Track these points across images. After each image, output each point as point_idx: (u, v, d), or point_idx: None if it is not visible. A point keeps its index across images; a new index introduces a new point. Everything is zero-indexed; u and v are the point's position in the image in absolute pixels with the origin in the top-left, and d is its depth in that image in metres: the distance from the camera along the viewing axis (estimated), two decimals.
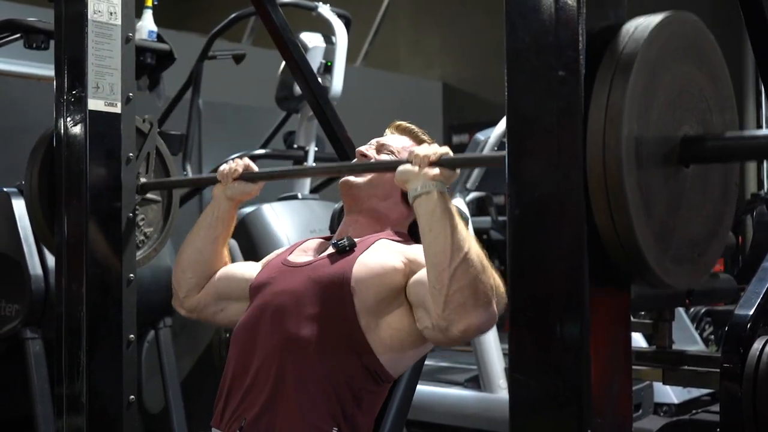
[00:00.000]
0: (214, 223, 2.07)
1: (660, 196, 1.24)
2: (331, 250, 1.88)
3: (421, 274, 1.71)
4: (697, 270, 1.33)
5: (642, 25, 1.23)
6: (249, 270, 2.04)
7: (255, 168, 2.06)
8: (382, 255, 1.81)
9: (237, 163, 2.05)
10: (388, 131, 2.06)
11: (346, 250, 1.84)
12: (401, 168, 1.68)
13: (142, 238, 2.34)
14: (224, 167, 2.06)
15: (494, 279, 1.62)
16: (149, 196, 2.34)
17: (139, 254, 2.30)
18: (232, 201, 2.06)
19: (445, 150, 1.67)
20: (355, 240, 1.87)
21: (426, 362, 4.62)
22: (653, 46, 1.22)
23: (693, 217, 1.31)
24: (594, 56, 1.23)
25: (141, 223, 2.33)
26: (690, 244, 1.31)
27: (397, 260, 1.79)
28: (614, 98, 1.19)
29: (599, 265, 1.23)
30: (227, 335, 2.25)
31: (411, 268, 1.78)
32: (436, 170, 1.64)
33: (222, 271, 2.09)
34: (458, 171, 1.68)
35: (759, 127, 8.22)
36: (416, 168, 1.65)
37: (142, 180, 2.27)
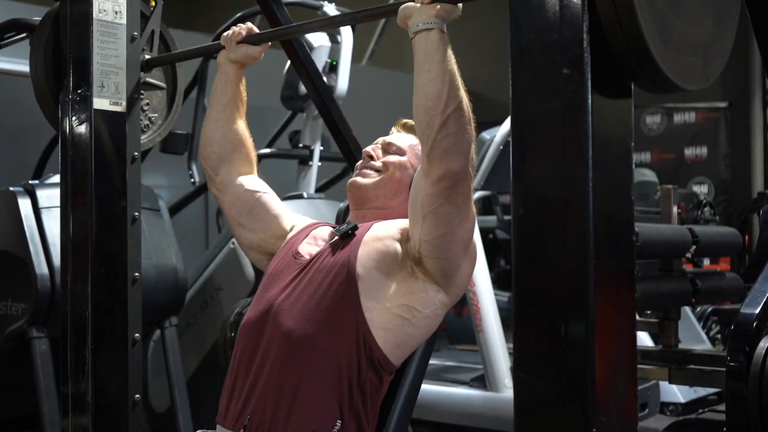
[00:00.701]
0: (224, 88, 2.11)
1: None
2: (335, 238, 1.89)
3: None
4: (700, 72, 1.37)
5: None
6: (283, 218, 2.08)
7: (257, 31, 2.09)
8: (380, 231, 1.84)
9: (240, 27, 2.08)
10: (394, 129, 2.07)
11: (348, 234, 1.86)
12: (403, 5, 1.69)
13: (146, 122, 2.36)
14: (227, 33, 2.09)
15: (474, 134, 1.67)
16: (154, 81, 2.36)
17: (143, 138, 2.32)
18: (236, 64, 2.10)
19: None
20: (358, 225, 1.88)
21: (432, 362, 4.61)
22: None
23: (694, 21, 1.34)
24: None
25: (146, 108, 2.35)
26: (692, 47, 1.34)
27: (395, 230, 1.83)
28: None
29: (603, 63, 1.24)
30: (232, 334, 2.25)
31: (408, 232, 1.80)
32: (437, 5, 1.64)
33: (264, 198, 2.09)
34: (460, 6, 1.67)
35: (766, 127, 8.19)
36: (418, 4, 1.66)
37: (146, 56, 2.28)
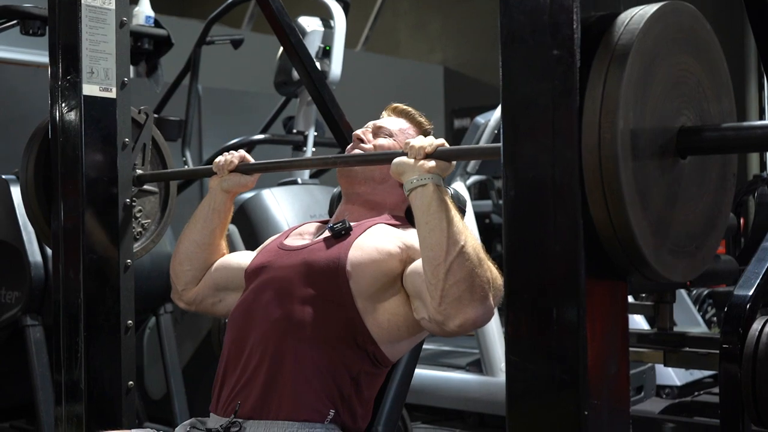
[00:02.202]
0: (211, 215, 2.07)
1: (656, 188, 1.22)
2: (327, 233, 1.87)
3: (418, 264, 1.70)
4: (694, 263, 1.32)
5: (637, 15, 1.21)
6: (245, 259, 2.03)
7: (251, 159, 2.06)
8: (378, 239, 1.80)
9: (233, 155, 2.05)
10: (384, 113, 2.05)
11: (342, 234, 1.83)
12: (396, 160, 1.68)
13: (139, 229, 2.34)
14: (220, 159, 2.05)
15: (491, 272, 1.61)
16: (146, 187, 2.34)
17: (136, 246, 2.30)
18: (228, 193, 2.07)
19: (441, 142, 1.66)
20: (352, 224, 1.86)
21: (428, 346, 4.62)
22: (649, 36, 1.20)
23: (690, 210, 1.29)
24: (589, 38, 1.22)
25: (138, 215, 2.32)
26: (687, 237, 1.29)
27: (394, 245, 1.78)
28: (610, 89, 1.17)
29: (596, 259, 1.22)
30: (225, 321, 2.24)
31: (408, 254, 1.77)
32: (431, 163, 1.63)
33: (219, 262, 2.08)
34: (454, 163, 1.67)
35: (761, 114, 8.18)
36: (411, 160, 1.65)
37: (138, 172, 2.27)
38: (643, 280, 1.29)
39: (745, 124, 1.26)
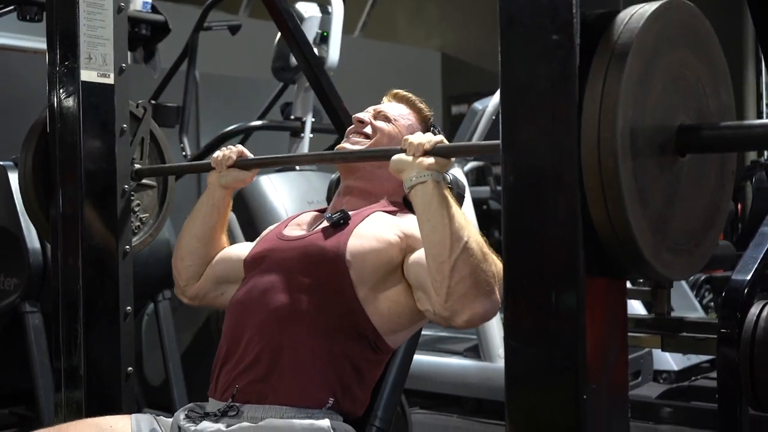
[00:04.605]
0: (210, 211, 2.08)
1: (656, 186, 1.22)
2: (325, 223, 1.86)
3: (419, 255, 1.70)
4: (693, 260, 1.32)
5: (637, 14, 1.21)
6: (244, 250, 2.03)
7: (249, 154, 2.06)
8: (377, 228, 1.80)
9: (231, 151, 2.05)
10: (385, 99, 2.05)
11: (340, 224, 1.83)
12: (395, 158, 1.67)
13: (138, 224, 2.34)
14: (218, 154, 2.05)
15: (495, 265, 1.61)
16: (145, 181, 2.34)
17: (135, 240, 2.30)
18: (226, 189, 2.07)
19: (440, 138, 1.66)
20: (350, 213, 1.86)
21: (425, 332, 4.62)
22: (648, 35, 1.20)
23: (689, 208, 1.29)
24: (590, 36, 1.21)
25: (137, 209, 2.33)
26: (686, 235, 1.29)
27: (393, 234, 1.78)
28: (609, 87, 1.16)
29: (595, 257, 1.22)
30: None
31: (408, 242, 1.77)
32: (430, 159, 1.63)
33: (219, 256, 2.09)
34: (453, 159, 1.67)
35: (759, 112, 8.17)
36: (410, 157, 1.64)
37: (137, 166, 2.27)
38: (641, 277, 1.29)
39: (745, 123, 1.25)
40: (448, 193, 1.63)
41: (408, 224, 1.80)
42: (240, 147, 2.06)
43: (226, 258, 2.08)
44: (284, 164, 2.25)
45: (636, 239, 1.18)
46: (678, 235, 1.27)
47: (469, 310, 1.58)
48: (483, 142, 1.47)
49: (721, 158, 1.36)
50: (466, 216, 1.64)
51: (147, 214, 2.38)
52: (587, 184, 1.19)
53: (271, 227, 2.07)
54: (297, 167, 4.05)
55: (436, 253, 1.59)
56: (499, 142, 1.27)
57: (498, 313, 4.10)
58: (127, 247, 2.19)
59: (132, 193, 2.25)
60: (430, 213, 1.60)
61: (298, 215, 2.03)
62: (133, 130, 2.27)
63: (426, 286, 1.65)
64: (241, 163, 2.04)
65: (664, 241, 1.24)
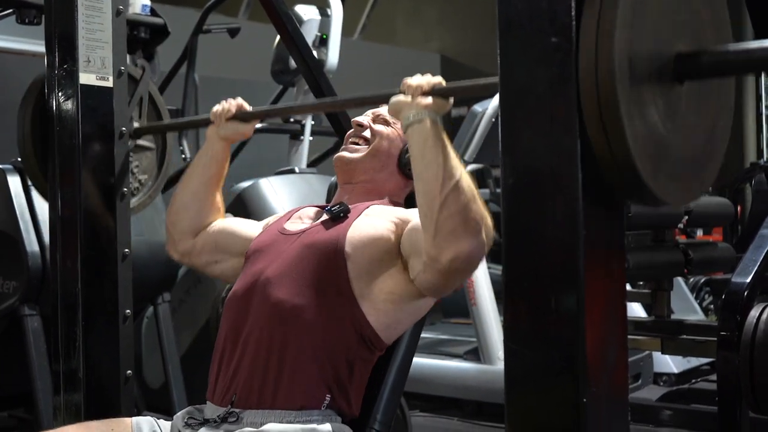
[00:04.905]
0: (208, 163, 2.08)
1: (654, 110, 1.23)
2: (325, 216, 1.87)
3: (416, 221, 1.71)
4: (692, 188, 1.33)
5: None
6: (251, 229, 2.04)
7: (248, 107, 2.06)
8: (375, 219, 1.81)
9: (230, 103, 2.06)
10: None
11: (340, 217, 1.84)
12: (394, 98, 1.68)
13: (136, 185, 2.35)
14: (217, 107, 2.07)
15: (483, 209, 1.63)
16: (143, 143, 2.35)
17: (134, 201, 2.31)
18: (225, 141, 2.07)
19: (438, 80, 1.67)
20: (350, 207, 1.86)
21: (426, 335, 4.62)
22: None
23: (687, 137, 1.30)
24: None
25: (135, 170, 2.34)
26: (684, 163, 1.30)
27: (389, 221, 1.79)
28: (606, 11, 1.17)
29: (593, 183, 1.22)
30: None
31: (404, 228, 1.78)
32: (428, 99, 1.63)
33: (224, 224, 2.08)
34: (451, 100, 1.67)
35: (758, 114, 8.17)
36: (409, 98, 1.65)
37: (135, 125, 2.27)
38: (640, 205, 1.29)
39: (741, 45, 1.26)
40: (444, 135, 1.64)
41: (406, 212, 1.82)
42: (239, 99, 2.07)
43: (232, 230, 2.07)
44: (283, 115, 2.24)
45: (634, 160, 1.18)
46: (677, 161, 1.28)
47: (455, 247, 1.59)
48: (483, 80, 1.47)
49: (719, 91, 1.37)
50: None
51: (146, 176, 2.39)
52: (585, 108, 1.18)
53: (276, 216, 2.07)
54: (296, 169, 4.05)
55: (428, 189, 1.60)
56: (496, 79, 1.28)
57: (498, 315, 4.10)
58: (126, 250, 2.18)
59: (131, 154, 2.25)
60: (426, 150, 1.61)
61: (301, 208, 2.03)
62: (131, 90, 2.28)
63: (418, 243, 1.66)
64: (241, 115, 2.04)
65: (662, 166, 1.24)
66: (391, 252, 1.77)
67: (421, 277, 1.68)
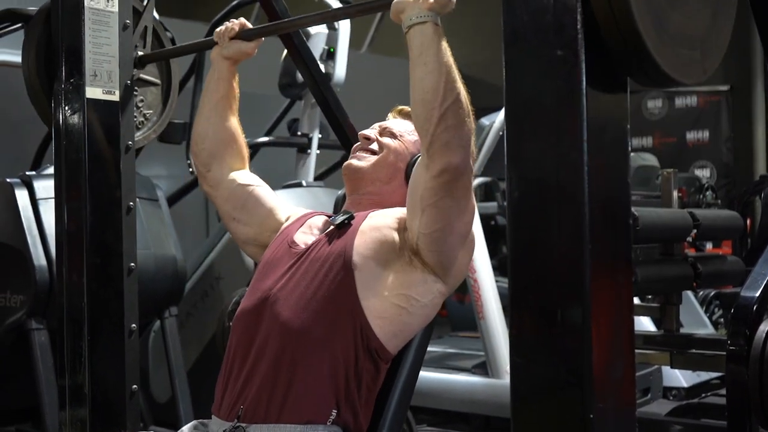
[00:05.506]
0: (217, 85, 2.10)
1: None
2: (331, 227, 1.87)
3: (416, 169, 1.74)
4: (696, 66, 1.35)
5: None
6: (277, 210, 2.07)
7: (250, 26, 2.07)
8: (378, 221, 1.82)
9: (233, 23, 2.07)
10: (390, 115, 2.06)
11: (345, 224, 1.84)
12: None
13: (141, 119, 2.36)
14: (220, 28, 2.08)
15: (473, 124, 1.65)
16: (148, 78, 2.36)
17: (138, 135, 2.32)
18: (230, 60, 2.09)
19: None
20: (354, 214, 1.87)
21: (434, 349, 4.60)
22: None
23: (691, 15, 1.32)
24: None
25: (140, 105, 2.35)
26: (689, 40, 1.32)
27: (393, 219, 1.81)
28: None
29: (597, 59, 1.22)
30: (230, 323, 2.24)
31: (404, 223, 1.78)
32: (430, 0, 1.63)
33: (257, 191, 2.08)
34: (454, 1, 1.65)
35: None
36: None
37: (140, 53, 2.28)
38: (646, 80, 1.30)
39: None
40: (445, 42, 1.63)
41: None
42: (242, 19, 2.09)
43: (263, 202, 2.07)
44: (287, 30, 2.20)
45: (638, 28, 1.20)
46: (682, 38, 1.30)
47: (445, 158, 1.62)
48: None
49: None
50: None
51: (151, 111, 2.40)
52: None
53: (294, 217, 2.06)
54: (304, 183, 4.05)
55: (428, 99, 1.61)
56: None
57: (506, 328, 4.08)
58: (132, 263, 2.18)
59: (135, 89, 2.27)
60: (428, 56, 1.61)
61: (313, 216, 2.02)
62: (135, 20, 2.29)
63: (416, 177, 1.69)
64: (244, 34, 2.05)
65: (666, 39, 1.26)
66: (395, 249, 1.77)
67: (421, 222, 1.69)
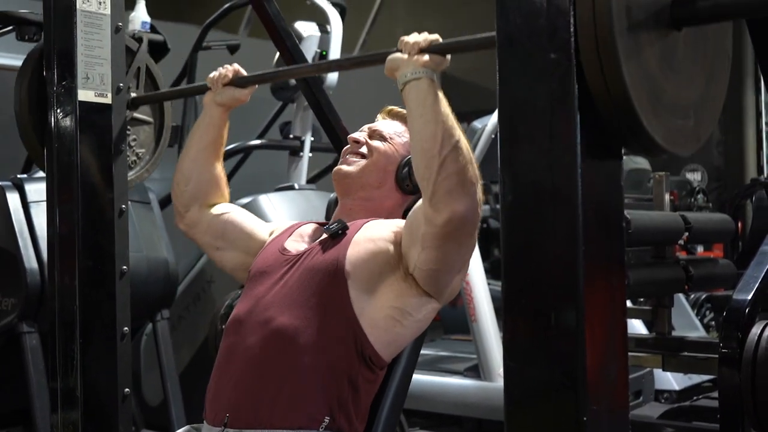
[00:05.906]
0: (206, 130, 2.09)
1: (651, 54, 1.24)
2: (324, 236, 1.86)
3: (416, 207, 1.72)
4: (690, 136, 1.34)
5: None
6: (258, 230, 2.06)
7: (244, 73, 2.07)
8: (374, 232, 1.81)
9: (226, 69, 2.06)
10: (380, 116, 2.05)
11: (338, 234, 1.83)
12: (391, 56, 1.68)
13: (134, 158, 2.36)
14: (214, 74, 2.07)
15: (476, 170, 1.64)
16: (141, 116, 2.36)
17: (131, 174, 2.32)
18: (222, 107, 2.08)
19: (435, 37, 1.67)
20: (348, 224, 1.85)
21: (426, 352, 4.59)
22: None
23: (685, 84, 1.31)
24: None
25: (133, 144, 2.35)
26: (683, 109, 1.31)
27: (389, 232, 1.79)
28: None
29: (592, 130, 1.22)
30: (222, 327, 2.24)
31: (401, 234, 1.77)
32: (425, 57, 1.63)
33: (235, 216, 2.08)
34: (448, 57, 1.66)
35: (758, 130, 8.18)
36: (406, 55, 1.65)
37: (133, 95, 2.28)
38: (640, 151, 1.30)
39: None
40: (441, 94, 1.64)
41: (404, 221, 1.80)
42: (236, 65, 2.08)
43: (241, 224, 2.07)
44: (281, 78, 2.23)
45: (633, 105, 1.19)
46: (675, 108, 1.29)
47: (450, 207, 1.60)
48: (480, 36, 1.46)
49: (716, 38, 1.38)
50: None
51: (143, 150, 2.40)
52: (584, 54, 1.19)
53: (280, 229, 2.05)
54: (296, 186, 4.05)
55: (426, 148, 1.60)
56: (494, 33, 1.28)
57: (499, 331, 4.08)
58: (124, 266, 2.18)
59: (128, 128, 2.27)
60: (424, 108, 1.62)
61: (302, 225, 2.02)
62: (128, 61, 2.29)
63: (416, 226, 1.67)
64: (238, 81, 2.05)
65: (660, 111, 1.25)
66: (390, 263, 1.76)
67: (419, 258, 1.68)
